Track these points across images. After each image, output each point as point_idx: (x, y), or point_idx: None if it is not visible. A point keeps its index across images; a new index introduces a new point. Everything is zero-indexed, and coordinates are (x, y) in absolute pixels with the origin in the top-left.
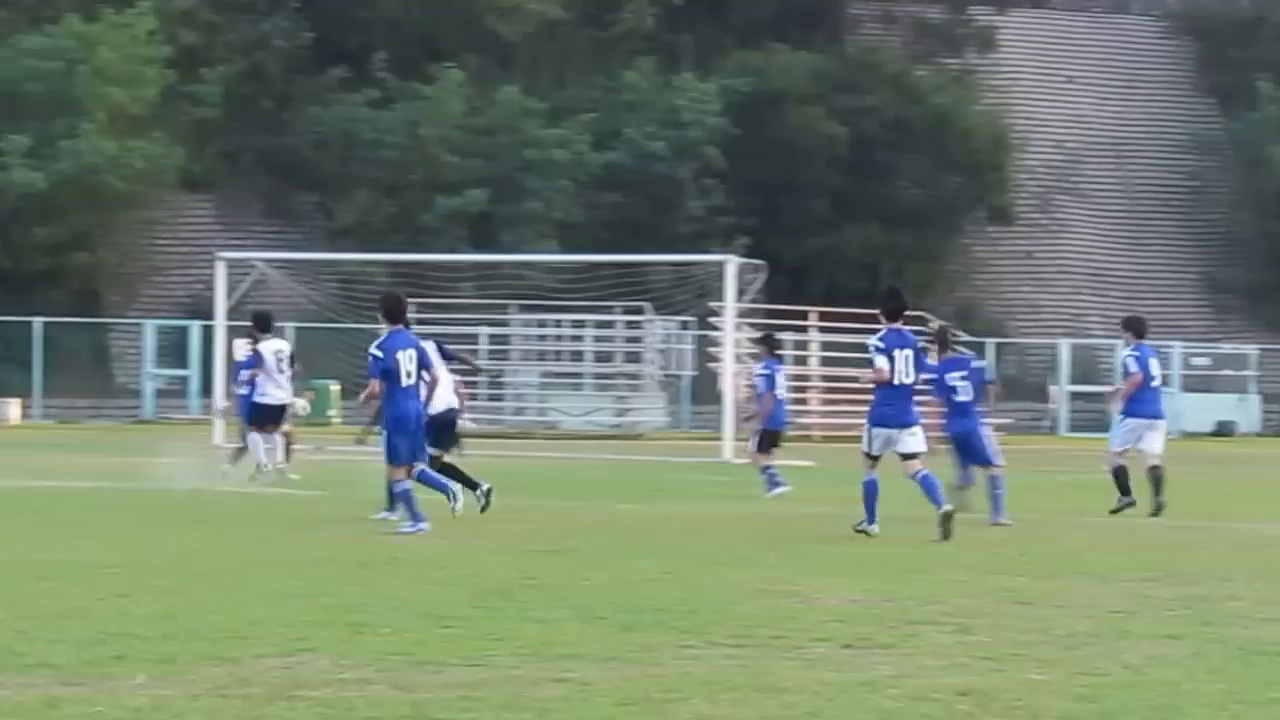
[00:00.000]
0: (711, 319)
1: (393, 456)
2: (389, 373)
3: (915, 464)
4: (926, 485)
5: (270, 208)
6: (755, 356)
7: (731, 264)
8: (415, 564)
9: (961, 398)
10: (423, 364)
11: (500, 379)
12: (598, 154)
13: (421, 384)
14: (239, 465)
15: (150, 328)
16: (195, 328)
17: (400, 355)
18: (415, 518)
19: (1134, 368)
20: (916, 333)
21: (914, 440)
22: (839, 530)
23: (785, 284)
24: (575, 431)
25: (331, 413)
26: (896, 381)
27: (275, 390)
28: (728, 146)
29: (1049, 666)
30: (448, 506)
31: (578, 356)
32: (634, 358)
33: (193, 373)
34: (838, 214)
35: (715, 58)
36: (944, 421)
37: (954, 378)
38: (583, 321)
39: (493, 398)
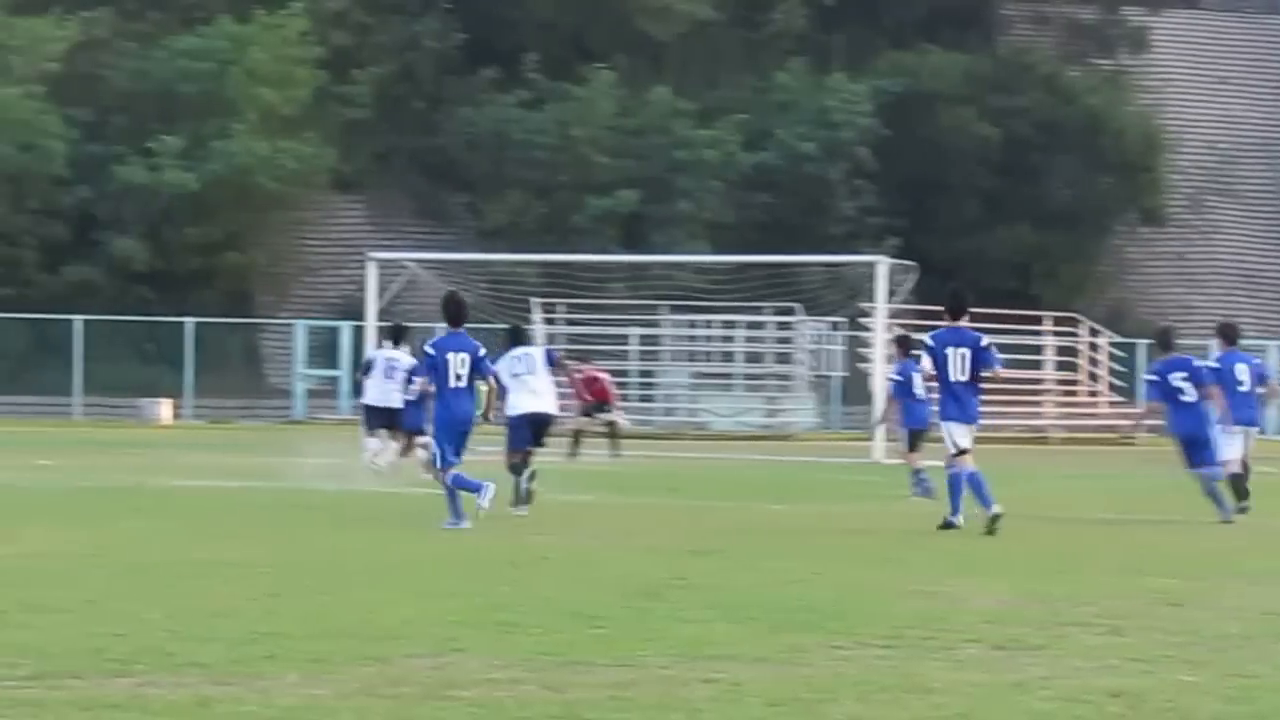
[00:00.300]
0: (862, 319)
1: (439, 457)
2: (437, 372)
3: (966, 459)
4: (975, 484)
5: (421, 208)
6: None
7: (883, 265)
8: (566, 564)
9: (1187, 398)
10: (476, 368)
11: (651, 379)
12: (749, 154)
13: (473, 388)
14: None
15: (301, 328)
16: (346, 328)
17: (451, 356)
18: (455, 513)
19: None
20: (1066, 334)
21: (968, 437)
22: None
23: (936, 285)
24: (726, 432)
25: (479, 413)
26: (952, 378)
27: (380, 395)
28: (879, 147)
29: (1200, 668)
30: (474, 503)
31: (728, 357)
32: (784, 358)
33: (343, 373)
34: (989, 215)
35: (867, 58)
36: (1169, 422)
37: (1177, 378)
38: (733, 322)
39: (643, 398)
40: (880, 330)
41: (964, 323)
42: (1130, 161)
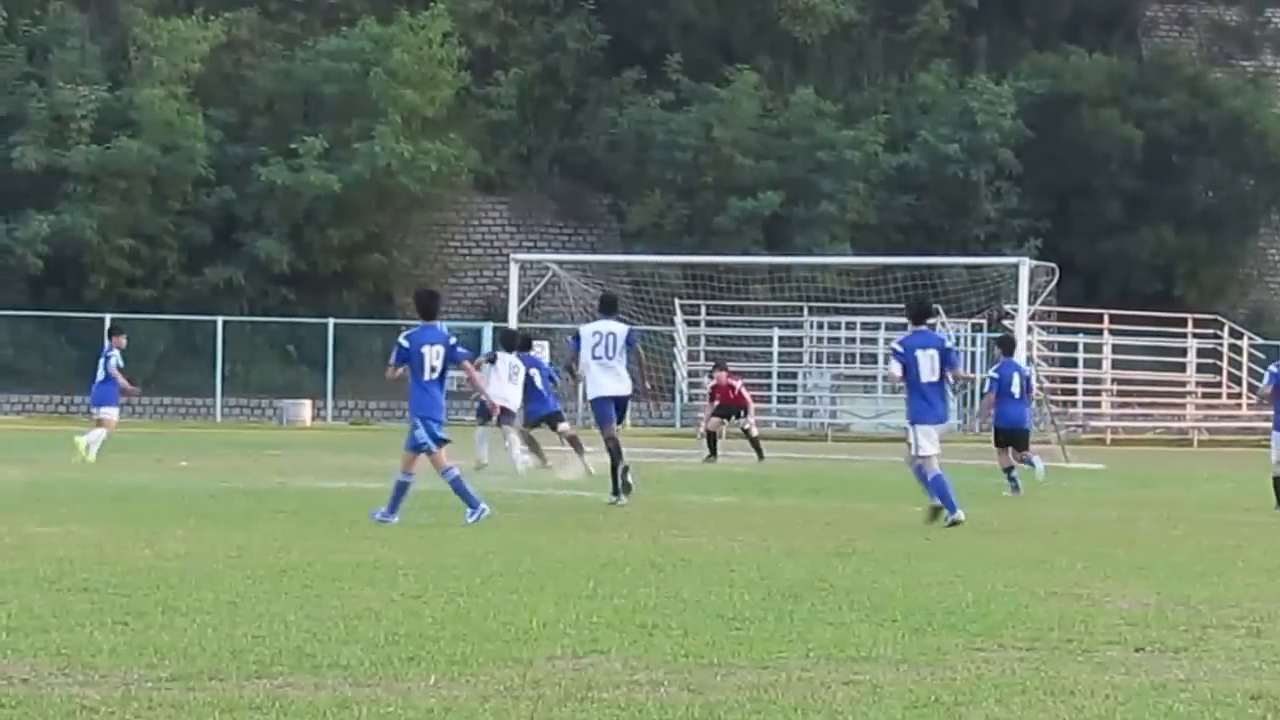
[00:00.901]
0: (1004, 322)
1: (414, 444)
2: (411, 364)
3: (934, 461)
4: (938, 485)
5: (563, 209)
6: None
7: (1024, 266)
8: (707, 566)
9: None
10: (450, 357)
11: (792, 381)
12: (891, 155)
13: (444, 379)
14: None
15: (443, 329)
16: (488, 329)
17: (426, 349)
18: (472, 504)
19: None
20: (1207, 336)
21: (936, 440)
22: (1131, 533)
23: (1078, 287)
24: (867, 434)
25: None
26: (923, 379)
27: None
28: (1022, 149)
29: None
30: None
31: (869, 359)
32: None
33: (485, 375)
34: (1131, 217)
35: (1010, 60)
36: None
37: None
38: (875, 324)
39: (784, 400)
40: (1021, 332)
41: (925, 326)
42: (1273, 163)
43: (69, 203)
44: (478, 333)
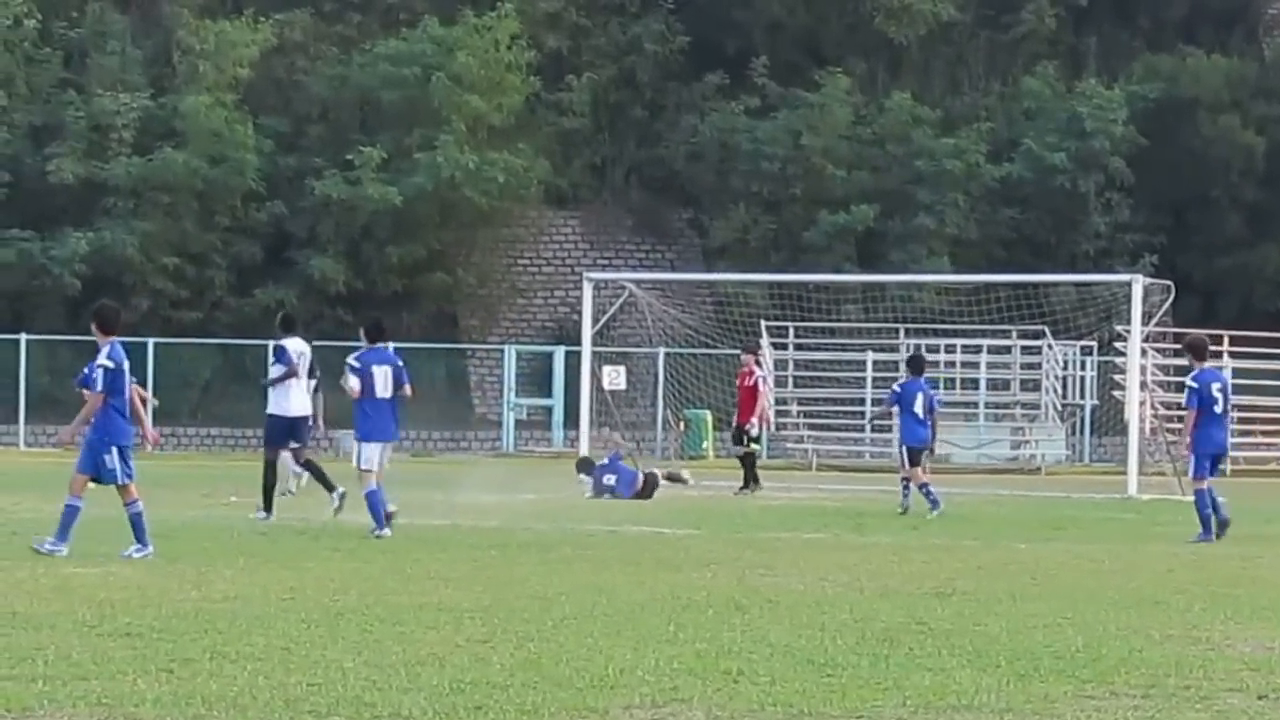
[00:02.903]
0: (1116, 343)
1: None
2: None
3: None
4: (371, 501)
5: (641, 224)
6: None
7: (1138, 284)
8: (796, 607)
9: None
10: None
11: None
12: (994, 166)
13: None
14: None
15: (511, 353)
16: (559, 353)
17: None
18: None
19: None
20: None
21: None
22: (1253, 571)
23: (1196, 306)
24: (968, 465)
25: (705, 444)
26: (379, 395)
27: None
28: (1134, 158)
29: None
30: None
31: (971, 384)
32: (1031, 385)
33: (556, 402)
34: (1253, 230)
35: (1121, 62)
36: None
37: None
38: (977, 346)
39: (879, 428)
40: (1134, 355)
41: (382, 344)
42: None
43: (109, 219)
44: (549, 357)
